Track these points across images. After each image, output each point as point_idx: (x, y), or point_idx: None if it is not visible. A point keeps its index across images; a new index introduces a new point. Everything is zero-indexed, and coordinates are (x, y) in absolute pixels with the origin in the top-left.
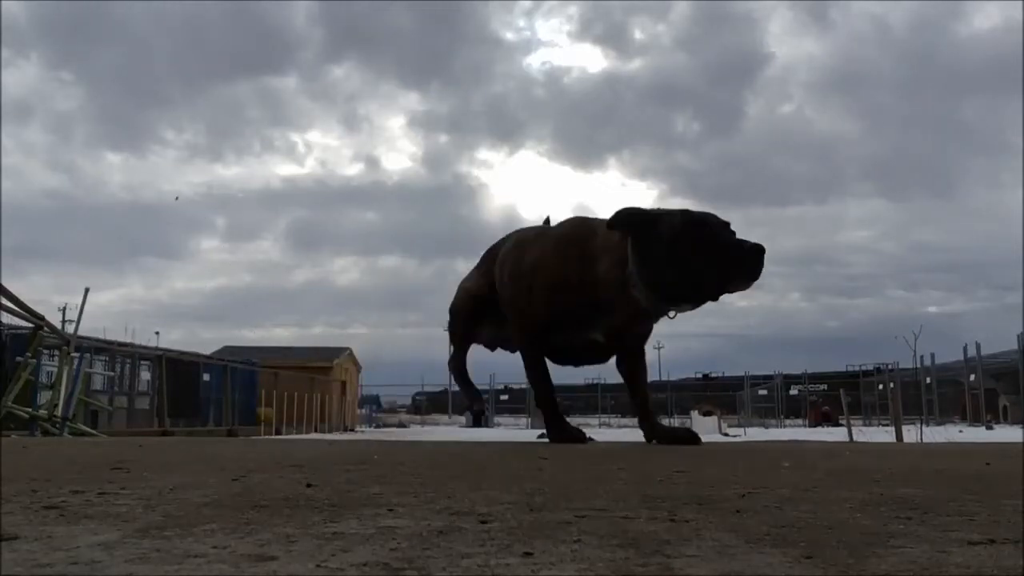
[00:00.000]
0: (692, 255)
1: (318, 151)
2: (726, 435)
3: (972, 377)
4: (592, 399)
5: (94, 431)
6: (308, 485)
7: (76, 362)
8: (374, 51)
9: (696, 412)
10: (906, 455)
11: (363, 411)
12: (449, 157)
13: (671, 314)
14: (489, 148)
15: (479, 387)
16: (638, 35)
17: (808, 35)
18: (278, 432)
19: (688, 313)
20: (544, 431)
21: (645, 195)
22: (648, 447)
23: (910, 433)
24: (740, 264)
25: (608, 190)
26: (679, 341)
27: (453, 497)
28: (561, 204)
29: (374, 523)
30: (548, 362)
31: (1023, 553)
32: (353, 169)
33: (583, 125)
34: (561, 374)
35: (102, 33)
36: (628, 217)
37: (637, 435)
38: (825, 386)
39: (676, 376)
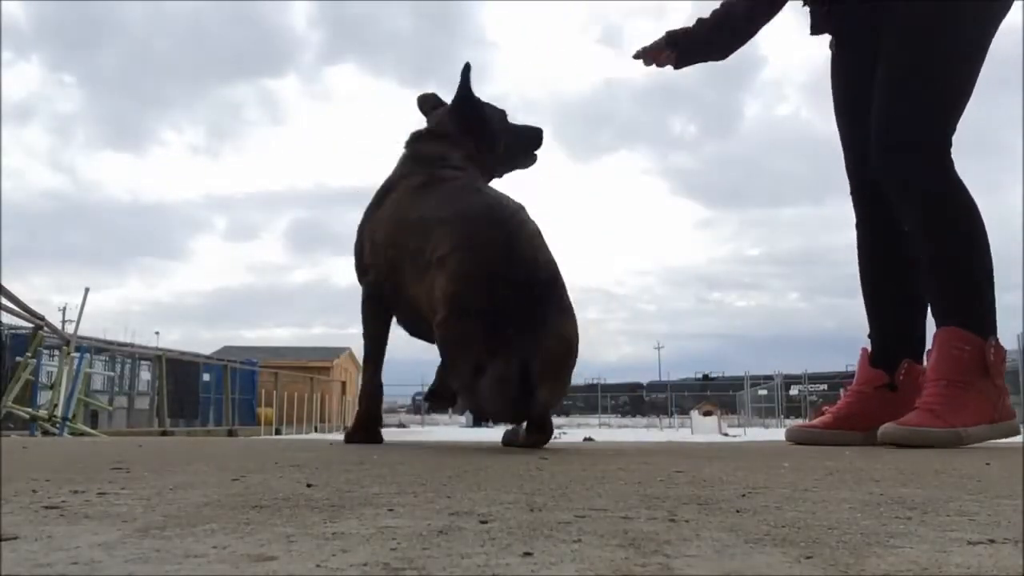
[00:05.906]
0: None
1: (318, 152)
2: (726, 435)
3: None
4: (592, 399)
5: (94, 431)
6: (308, 485)
7: (76, 362)
8: (373, 52)
9: (696, 412)
10: (905, 455)
11: None
12: None
13: None
14: None
15: None
16: (636, 37)
17: (805, 36)
18: (278, 432)
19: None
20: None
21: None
22: (648, 447)
23: None
24: None
25: (607, 191)
26: (679, 341)
27: (453, 497)
28: (560, 204)
29: (374, 523)
30: None
31: (1023, 553)
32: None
33: (581, 126)
34: None
35: (103, 35)
36: None
37: (637, 435)
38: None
39: (676, 376)
